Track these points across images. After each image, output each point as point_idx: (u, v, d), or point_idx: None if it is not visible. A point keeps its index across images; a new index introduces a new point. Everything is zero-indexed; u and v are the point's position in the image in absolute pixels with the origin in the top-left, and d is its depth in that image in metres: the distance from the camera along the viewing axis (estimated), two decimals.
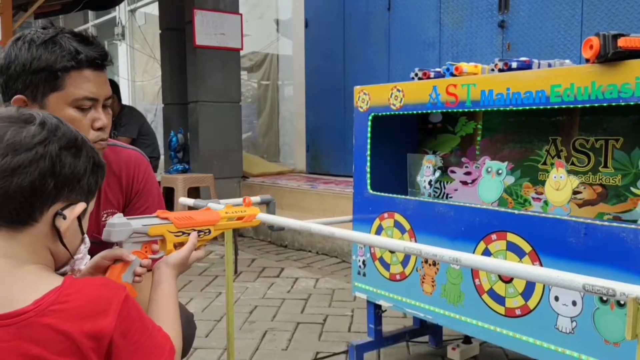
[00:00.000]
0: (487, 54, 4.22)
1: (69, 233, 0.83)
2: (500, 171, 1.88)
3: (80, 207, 0.83)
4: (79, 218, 0.85)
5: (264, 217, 1.58)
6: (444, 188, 2.24)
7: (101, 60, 1.20)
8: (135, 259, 0.97)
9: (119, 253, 0.96)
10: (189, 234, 1.05)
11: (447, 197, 2.21)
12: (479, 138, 2.13)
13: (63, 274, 0.87)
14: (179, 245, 1.05)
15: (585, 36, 3.61)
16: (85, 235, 0.89)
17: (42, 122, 0.80)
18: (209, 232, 1.07)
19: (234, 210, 1.11)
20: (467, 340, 2.29)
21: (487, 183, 1.93)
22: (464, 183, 2.16)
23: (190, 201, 2.01)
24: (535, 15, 3.96)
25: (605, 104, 1.40)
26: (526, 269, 0.98)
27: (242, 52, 5.62)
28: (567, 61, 1.76)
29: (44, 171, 0.78)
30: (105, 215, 1.39)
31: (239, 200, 1.22)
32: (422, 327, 2.38)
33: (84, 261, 0.90)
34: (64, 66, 1.16)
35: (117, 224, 0.97)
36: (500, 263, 1.05)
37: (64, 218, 0.81)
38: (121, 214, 1.01)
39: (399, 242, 1.30)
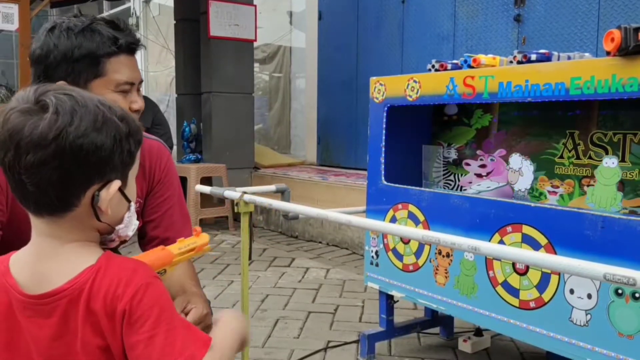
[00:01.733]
0: (502, 47, 4.20)
1: (111, 208, 0.83)
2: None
3: (115, 185, 0.83)
4: (120, 189, 0.84)
5: (309, 210, 1.55)
6: (458, 180, 2.25)
7: (136, 45, 1.24)
8: None
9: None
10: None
11: (461, 190, 2.21)
12: (494, 131, 2.13)
13: (110, 241, 0.89)
14: None
15: (602, 31, 3.62)
16: (132, 203, 0.88)
17: (56, 109, 0.78)
18: (165, 271, 1.05)
19: (185, 244, 1.10)
20: (478, 332, 2.29)
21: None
22: (479, 175, 2.16)
23: (207, 189, 2.02)
24: (551, 9, 3.93)
25: (625, 98, 1.39)
26: (546, 257, 0.99)
27: (255, 44, 5.63)
28: (587, 54, 1.75)
29: (68, 163, 0.77)
30: None
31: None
32: (434, 319, 2.39)
33: (130, 227, 0.89)
34: (106, 52, 1.19)
35: None
36: (519, 252, 1.05)
37: (99, 199, 0.82)
38: None
39: (417, 230, 1.31)
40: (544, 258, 0.99)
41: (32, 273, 0.82)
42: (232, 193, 1.86)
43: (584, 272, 0.90)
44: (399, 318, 2.35)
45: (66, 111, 0.78)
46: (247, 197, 1.82)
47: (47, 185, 0.78)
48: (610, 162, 1.62)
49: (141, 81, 1.28)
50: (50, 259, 0.82)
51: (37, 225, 0.83)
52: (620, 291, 1.44)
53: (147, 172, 1.42)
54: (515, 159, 1.99)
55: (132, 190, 0.89)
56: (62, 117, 0.77)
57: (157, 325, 0.78)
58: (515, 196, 1.97)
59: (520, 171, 1.96)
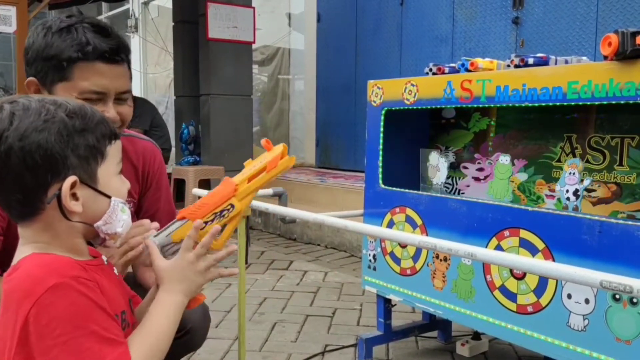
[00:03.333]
0: (500, 50, 4.20)
1: (84, 205, 0.82)
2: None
3: (68, 181, 0.80)
4: (90, 185, 0.83)
5: (305, 215, 1.52)
6: (456, 184, 2.24)
7: (110, 54, 1.17)
8: None
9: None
10: (212, 220, 0.95)
11: (459, 193, 2.21)
12: (492, 134, 2.12)
13: (103, 240, 0.90)
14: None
15: (600, 34, 3.62)
16: (113, 199, 0.86)
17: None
18: (232, 207, 0.92)
19: (252, 165, 0.95)
20: (476, 336, 2.28)
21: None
22: (476, 179, 2.16)
23: (204, 192, 2.02)
24: (550, 12, 3.93)
25: (622, 102, 1.39)
26: (543, 264, 0.98)
27: (253, 46, 5.63)
28: (585, 58, 1.75)
29: (16, 168, 0.77)
30: None
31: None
32: (432, 322, 2.38)
33: (116, 224, 0.86)
34: (69, 57, 1.14)
35: (146, 246, 0.94)
36: (516, 258, 1.05)
37: (60, 198, 0.81)
38: (152, 232, 1.00)
39: (414, 235, 1.31)
40: (540, 265, 0.98)
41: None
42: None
43: (581, 279, 0.89)
44: (397, 321, 2.34)
45: (4, 117, 0.78)
46: None
47: (6, 191, 0.79)
48: (504, 160, 1.95)
49: (123, 92, 1.21)
50: (16, 258, 0.85)
51: (21, 233, 0.86)
52: (617, 296, 1.43)
53: (140, 174, 1.42)
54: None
55: (113, 186, 0.87)
56: (2, 120, 0.78)
57: (61, 334, 0.75)
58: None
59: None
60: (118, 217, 0.87)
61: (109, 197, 0.86)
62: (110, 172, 0.87)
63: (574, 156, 1.86)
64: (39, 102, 0.81)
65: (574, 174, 1.73)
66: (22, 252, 0.84)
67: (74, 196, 0.82)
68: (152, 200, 1.47)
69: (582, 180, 1.73)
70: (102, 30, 1.19)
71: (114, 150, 0.87)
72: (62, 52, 1.14)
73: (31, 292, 0.76)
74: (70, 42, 1.15)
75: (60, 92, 1.17)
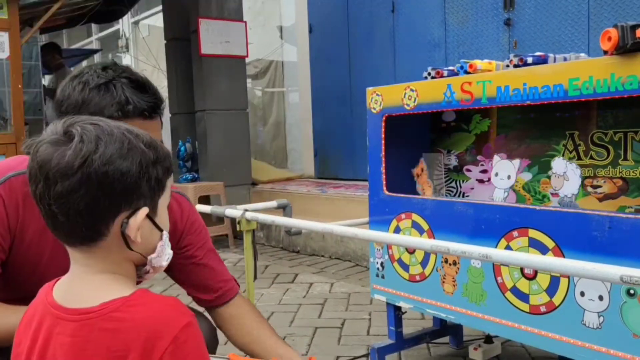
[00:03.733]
0: (493, 52, 4.21)
1: (142, 237, 0.83)
2: None
3: (142, 212, 0.82)
4: (150, 217, 0.84)
5: (315, 225, 1.51)
6: (460, 187, 2.23)
7: (149, 112, 1.18)
8: None
9: None
10: None
11: (463, 196, 2.20)
12: (494, 135, 2.12)
13: (145, 272, 0.89)
14: None
15: (593, 31, 3.63)
16: (164, 232, 0.88)
17: (81, 138, 0.79)
18: None
19: None
20: (488, 339, 2.27)
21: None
22: (480, 181, 2.15)
23: (208, 208, 2.00)
24: (541, 12, 3.95)
25: (625, 96, 1.39)
26: (561, 262, 0.97)
27: (246, 60, 5.64)
28: (583, 55, 1.75)
29: (94, 191, 0.78)
30: None
31: None
32: (443, 328, 2.36)
33: (164, 257, 0.88)
34: (109, 116, 1.13)
35: None
36: (531, 257, 1.03)
37: (127, 226, 0.82)
38: None
39: (425, 240, 1.29)
40: (557, 262, 0.97)
41: (65, 293, 0.84)
42: (233, 211, 1.84)
43: (599, 275, 0.88)
44: (407, 329, 2.32)
45: (91, 139, 0.79)
46: (248, 214, 1.80)
47: (76, 214, 0.78)
48: None
49: None
50: (82, 285, 0.83)
51: (73, 254, 0.84)
52: (632, 291, 1.42)
53: (176, 226, 1.38)
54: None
55: (163, 219, 0.88)
56: (87, 145, 0.78)
57: None
58: (560, 202, 1.88)
59: (566, 175, 1.85)
60: (166, 251, 0.89)
61: (162, 230, 0.88)
62: (164, 204, 0.89)
63: (577, 153, 1.85)
64: (118, 129, 0.82)
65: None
66: (94, 281, 0.83)
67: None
68: (192, 248, 1.45)
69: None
70: (140, 86, 1.19)
71: (169, 184, 0.89)
72: (101, 111, 1.14)
73: (166, 332, 0.77)
74: (110, 100, 1.15)
75: None
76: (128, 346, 0.77)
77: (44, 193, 0.79)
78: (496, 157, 2.04)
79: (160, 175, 0.85)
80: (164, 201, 0.88)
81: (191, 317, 0.81)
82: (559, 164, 1.85)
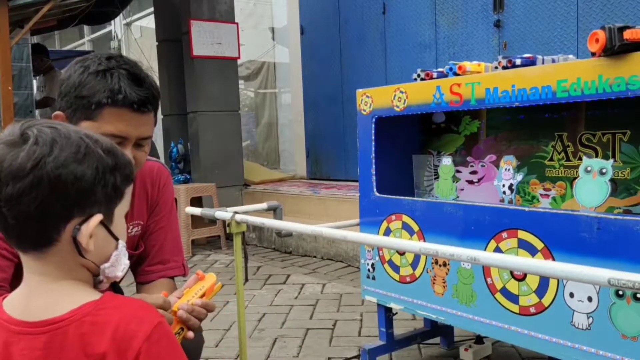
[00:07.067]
0: (483, 53, 4.22)
1: (95, 245, 0.81)
2: (604, 170, 1.52)
3: (95, 219, 0.80)
4: (105, 225, 0.82)
5: (303, 227, 1.54)
6: None
7: (139, 105, 1.19)
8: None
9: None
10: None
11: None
12: (483, 137, 2.13)
13: (99, 282, 0.87)
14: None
15: (582, 32, 3.65)
16: (120, 242, 0.86)
17: (35, 140, 0.77)
18: (182, 329, 1.05)
19: (193, 293, 1.07)
20: (479, 340, 2.27)
21: (588, 185, 1.55)
22: (470, 182, 2.15)
23: (198, 210, 2.00)
24: (530, 14, 3.97)
25: (613, 98, 1.39)
26: (548, 265, 0.97)
27: (238, 61, 5.63)
28: (571, 56, 1.75)
29: (46, 195, 0.76)
30: (131, 227, 1.40)
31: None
32: (434, 329, 2.36)
33: (119, 267, 0.86)
34: (99, 101, 1.16)
35: None
36: (519, 260, 1.04)
37: (79, 233, 0.80)
38: None
39: (414, 243, 1.30)
40: (545, 265, 0.97)
41: (25, 308, 0.80)
42: (223, 214, 1.84)
43: (587, 278, 0.88)
44: (398, 330, 2.32)
45: (46, 142, 0.77)
46: (238, 217, 1.79)
47: (26, 217, 0.76)
48: (446, 161, 2.08)
49: (144, 138, 1.24)
50: (43, 296, 0.80)
51: (26, 262, 0.82)
52: (621, 292, 1.42)
53: (149, 196, 1.42)
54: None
55: (120, 227, 0.86)
56: (41, 148, 0.76)
57: None
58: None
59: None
60: (121, 261, 0.87)
61: (117, 239, 0.86)
62: (121, 213, 0.86)
63: (566, 154, 1.86)
64: (76, 134, 0.80)
65: (508, 170, 1.87)
66: (56, 290, 0.81)
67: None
68: (159, 226, 1.46)
69: (515, 176, 1.86)
70: (137, 79, 1.20)
71: (128, 192, 0.87)
72: (93, 95, 1.17)
73: (139, 331, 0.77)
74: (104, 86, 1.17)
75: (84, 130, 1.18)
76: (104, 349, 0.76)
77: None
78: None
79: (119, 183, 0.83)
80: (121, 209, 0.86)
81: (161, 317, 0.81)
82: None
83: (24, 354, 0.78)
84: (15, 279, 1.19)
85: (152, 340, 0.77)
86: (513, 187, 1.86)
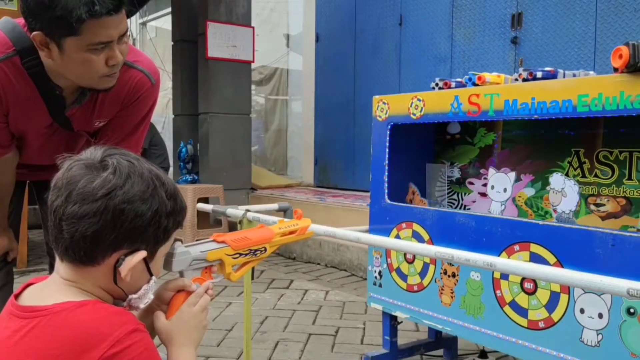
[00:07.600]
0: (499, 69, 4.21)
1: (131, 276, 0.86)
2: None
3: (140, 255, 0.85)
4: (146, 261, 0.87)
5: (316, 228, 1.54)
6: (462, 199, 2.23)
7: (115, 9, 1.21)
8: (198, 288, 0.98)
9: (181, 283, 0.97)
10: (246, 254, 1.05)
11: (464, 209, 2.19)
12: (498, 150, 2.12)
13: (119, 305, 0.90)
14: (238, 268, 1.06)
15: (599, 53, 3.65)
16: (153, 277, 0.90)
17: (114, 170, 0.82)
18: (265, 250, 1.07)
19: (286, 225, 1.11)
20: (483, 354, 2.25)
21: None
22: (483, 195, 2.14)
23: (209, 207, 2.00)
24: (548, 32, 3.97)
25: (634, 114, 1.39)
26: (567, 273, 0.96)
27: (252, 66, 5.65)
28: (592, 72, 1.75)
29: (106, 223, 0.81)
30: (97, 122, 1.48)
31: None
32: (437, 340, 2.35)
33: (144, 300, 0.90)
34: (78, 17, 1.18)
35: (177, 254, 0.96)
36: (537, 268, 1.03)
37: (123, 263, 0.84)
38: (180, 243, 0.99)
39: (430, 247, 1.29)
40: (562, 274, 0.97)
41: (34, 295, 0.86)
42: (235, 211, 1.84)
43: (606, 287, 0.88)
44: (401, 340, 2.30)
45: (122, 175, 0.82)
46: (250, 214, 1.79)
47: (80, 237, 0.81)
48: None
49: (123, 34, 1.27)
50: (51, 288, 0.85)
51: (60, 264, 0.86)
52: (632, 310, 1.41)
53: (123, 100, 1.47)
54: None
55: (158, 265, 0.91)
56: (116, 179, 0.82)
57: None
58: (558, 218, 1.89)
59: (563, 192, 1.86)
60: (148, 295, 0.91)
61: (152, 275, 0.90)
62: (163, 253, 0.91)
63: (582, 170, 1.85)
64: (149, 173, 0.86)
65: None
66: (63, 289, 0.85)
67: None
68: (119, 123, 1.51)
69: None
70: None
71: (175, 234, 0.92)
72: (70, 13, 1.18)
73: (108, 335, 0.78)
74: (76, 2, 1.18)
75: (70, 45, 1.23)
76: (64, 348, 0.78)
77: (60, 207, 0.81)
78: (491, 170, 2.03)
79: (170, 227, 0.88)
80: (164, 249, 0.91)
81: (139, 325, 0.82)
82: (556, 180, 1.86)
83: (5, 333, 0.82)
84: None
85: (121, 345, 0.78)
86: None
